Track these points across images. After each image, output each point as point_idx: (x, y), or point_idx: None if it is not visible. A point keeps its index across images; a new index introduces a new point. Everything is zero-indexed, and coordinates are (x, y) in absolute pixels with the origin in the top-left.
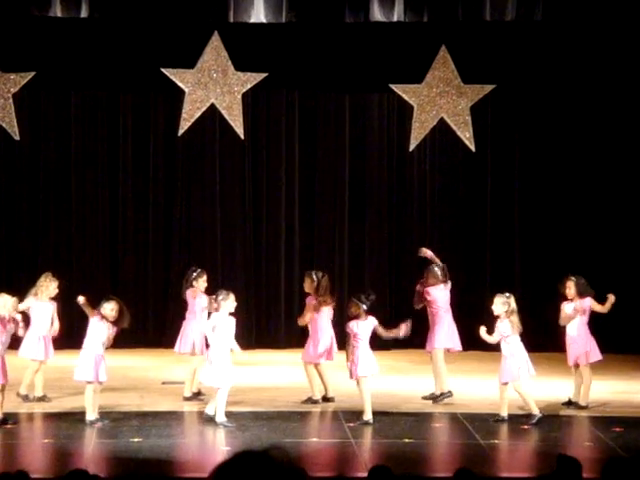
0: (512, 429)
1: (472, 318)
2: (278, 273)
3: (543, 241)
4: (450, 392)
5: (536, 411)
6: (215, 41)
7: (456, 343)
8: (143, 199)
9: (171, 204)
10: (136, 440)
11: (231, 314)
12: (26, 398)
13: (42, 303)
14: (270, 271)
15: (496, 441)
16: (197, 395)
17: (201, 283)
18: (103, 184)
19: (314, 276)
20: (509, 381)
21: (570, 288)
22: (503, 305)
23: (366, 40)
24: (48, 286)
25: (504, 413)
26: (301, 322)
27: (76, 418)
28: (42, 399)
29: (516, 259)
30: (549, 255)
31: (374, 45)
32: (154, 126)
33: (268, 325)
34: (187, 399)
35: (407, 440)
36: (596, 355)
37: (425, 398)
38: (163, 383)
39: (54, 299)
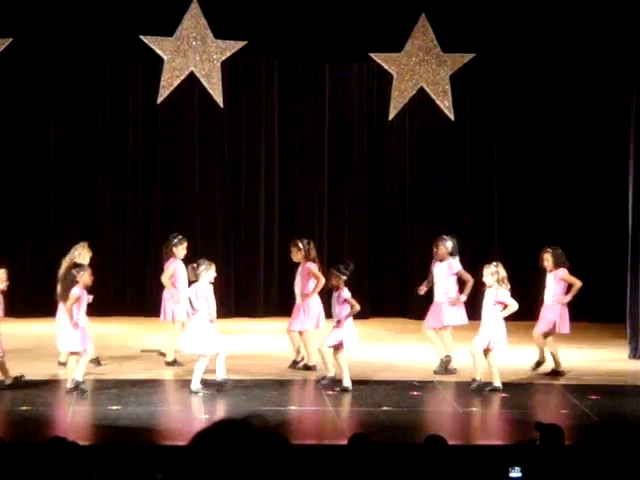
0: (489, 397)
1: None
2: (257, 242)
3: (522, 210)
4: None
5: (498, 383)
6: (194, 9)
7: (463, 318)
8: (122, 167)
9: (150, 172)
10: (115, 408)
11: (210, 283)
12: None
13: None
14: (249, 240)
15: (474, 409)
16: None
17: (180, 250)
18: (82, 152)
19: (300, 244)
20: (484, 347)
21: (547, 260)
22: (492, 275)
23: (346, 8)
24: (85, 256)
25: (497, 383)
26: (316, 290)
27: (54, 386)
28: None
29: (495, 228)
30: (528, 224)
31: (354, 13)
32: (133, 94)
33: (247, 294)
34: (167, 363)
35: (385, 408)
36: (564, 328)
37: (437, 372)
38: (142, 351)
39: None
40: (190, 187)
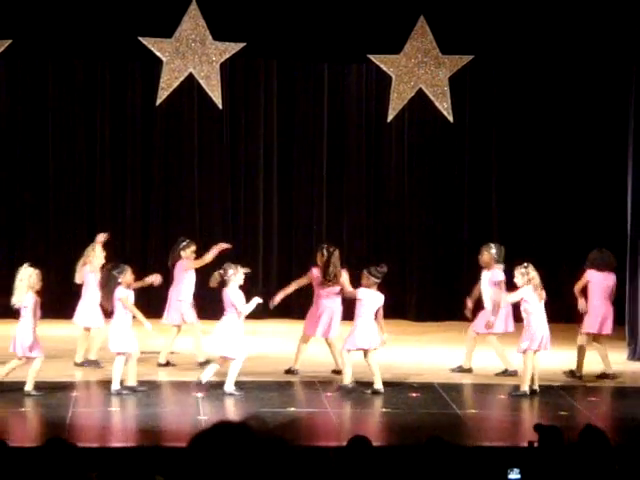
0: (489, 399)
1: (449, 290)
2: (256, 243)
3: (520, 212)
4: (516, 371)
5: (525, 387)
6: (193, 10)
7: (510, 326)
8: (121, 168)
9: (149, 174)
10: (114, 409)
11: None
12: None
13: (94, 273)
14: (248, 241)
15: (472, 411)
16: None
17: (189, 253)
18: (81, 154)
19: (324, 250)
20: (529, 349)
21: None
22: (522, 276)
23: (345, 10)
24: (97, 256)
25: (535, 385)
26: (299, 284)
27: (53, 387)
28: (95, 363)
29: (493, 230)
30: (526, 226)
31: (353, 15)
32: (132, 95)
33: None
34: (201, 364)
35: (384, 410)
36: (590, 326)
37: (498, 375)
38: (141, 353)
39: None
40: (189, 188)
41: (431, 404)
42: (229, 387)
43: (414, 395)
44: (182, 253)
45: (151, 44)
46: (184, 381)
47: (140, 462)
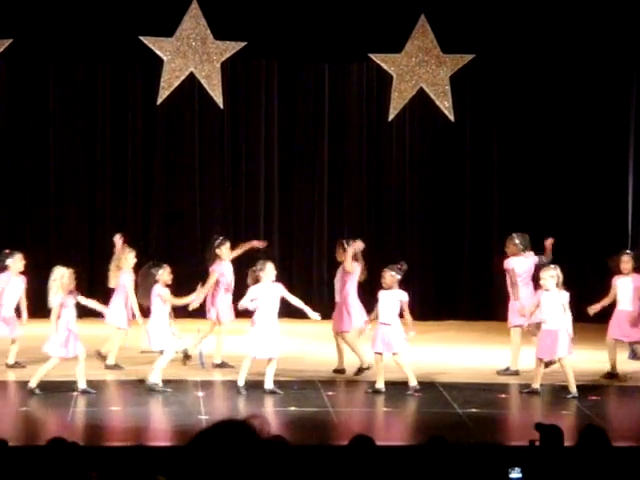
0: (489, 398)
1: (450, 289)
2: None
3: (522, 211)
4: (517, 371)
5: (573, 388)
6: (194, 9)
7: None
8: (122, 168)
9: (150, 173)
10: (115, 409)
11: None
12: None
13: (127, 274)
14: (248, 240)
15: (474, 410)
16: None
17: (224, 251)
18: (81, 153)
19: (345, 245)
20: (566, 355)
21: (627, 262)
22: (552, 278)
23: (346, 9)
24: (127, 257)
25: (537, 385)
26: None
27: (55, 387)
28: (116, 367)
29: (495, 229)
30: (528, 225)
31: (353, 14)
32: (133, 95)
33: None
34: (216, 366)
35: (385, 409)
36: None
37: (499, 373)
38: (141, 352)
39: (133, 268)
40: (190, 188)
41: (432, 403)
42: (240, 382)
43: (415, 394)
44: (217, 251)
45: (152, 43)
46: (185, 380)
47: (141, 461)
